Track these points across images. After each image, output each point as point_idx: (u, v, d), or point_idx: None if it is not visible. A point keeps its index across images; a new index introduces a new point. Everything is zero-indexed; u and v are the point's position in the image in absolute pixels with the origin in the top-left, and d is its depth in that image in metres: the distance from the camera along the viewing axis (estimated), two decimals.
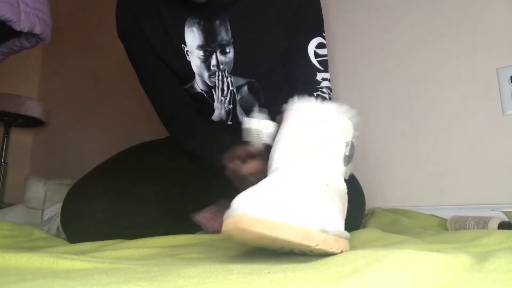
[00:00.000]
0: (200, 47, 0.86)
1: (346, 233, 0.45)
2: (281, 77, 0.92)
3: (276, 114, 0.71)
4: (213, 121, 0.92)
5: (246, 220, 0.39)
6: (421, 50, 1.19)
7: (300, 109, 0.51)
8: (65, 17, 2.06)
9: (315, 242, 0.39)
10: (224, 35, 0.85)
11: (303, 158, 0.48)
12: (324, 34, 0.89)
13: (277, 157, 0.50)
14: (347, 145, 0.50)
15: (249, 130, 0.61)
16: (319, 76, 0.87)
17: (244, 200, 0.41)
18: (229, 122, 0.92)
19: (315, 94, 0.85)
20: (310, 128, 0.50)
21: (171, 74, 0.90)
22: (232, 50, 0.86)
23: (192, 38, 0.86)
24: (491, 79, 1.07)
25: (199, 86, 0.89)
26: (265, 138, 0.60)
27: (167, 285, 0.32)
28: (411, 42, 1.22)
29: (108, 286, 0.31)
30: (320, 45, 0.88)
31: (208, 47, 0.86)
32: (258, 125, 0.60)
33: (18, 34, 0.98)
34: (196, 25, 0.85)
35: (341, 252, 0.41)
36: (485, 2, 1.10)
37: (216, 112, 0.92)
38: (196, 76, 0.88)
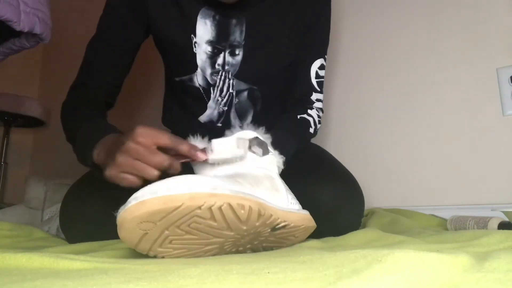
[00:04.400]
0: (210, 42, 0.84)
1: (254, 196, 0.47)
2: (282, 88, 0.92)
3: (268, 124, 0.71)
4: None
5: (145, 204, 0.43)
6: (421, 50, 1.19)
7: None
8: (65, 17, 2.05)
9: (203, 200, 0.43)
10: (238, 36, 0.84)
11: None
12: (326, 56, 0.91)
13: None
14: (250, 141, 0.56)
15: (242, 142, 0.55)
16: (314, 96, 0.88)
17: (137, 193, 0.45)
18: (219, 124, 0.91)
19: (303, 113, 0.86)
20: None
21: (120, 62, 0.88)
22: (241, 53, 0.84)
23: (204, 31, 0.83)
24: (491, 79, 1.07)
25: (198, 80, 0.87)
26: (232, 159, 0.55)
27: (167, 285, 0.32)
28: (411, 42, 1.22)
29: (108, 286, 0.31)
30: (321, 67, 0.89)
31: (218, 44, 0.84)
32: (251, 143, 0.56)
33: (18, 34, 0.98)
34: (211, 19, 0.83)
35: (250, 208, 0.45)
36: (485, 3, 1.10)
37: (208, 112, 0.90)
38: (199, 69, 0.86)
